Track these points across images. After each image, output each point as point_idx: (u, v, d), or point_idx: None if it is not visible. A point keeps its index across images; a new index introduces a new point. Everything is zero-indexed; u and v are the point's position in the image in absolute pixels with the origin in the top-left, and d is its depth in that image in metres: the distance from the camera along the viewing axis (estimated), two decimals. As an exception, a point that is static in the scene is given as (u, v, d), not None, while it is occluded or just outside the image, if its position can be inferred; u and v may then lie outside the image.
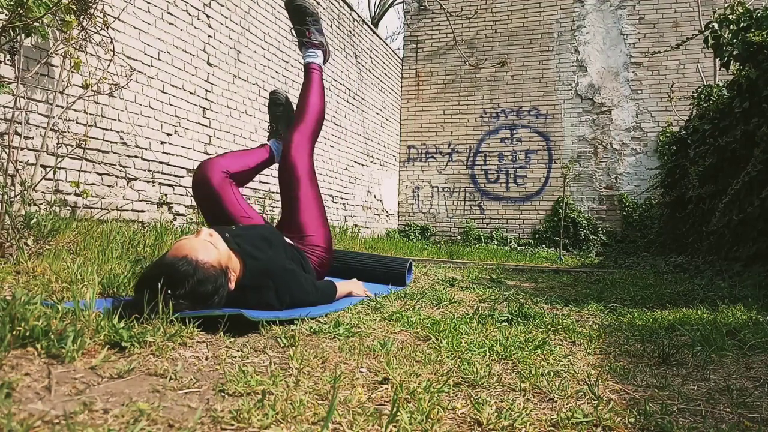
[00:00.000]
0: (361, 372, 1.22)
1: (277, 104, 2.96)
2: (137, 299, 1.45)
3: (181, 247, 1.60)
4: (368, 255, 3.44)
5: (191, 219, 4.62)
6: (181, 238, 1.76)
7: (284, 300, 1.84)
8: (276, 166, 2.77)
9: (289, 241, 2.32)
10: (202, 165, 2.47)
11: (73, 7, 3.09)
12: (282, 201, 2.61)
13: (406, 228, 10.03)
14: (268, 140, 2.92)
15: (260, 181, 5.76)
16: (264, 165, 2.74)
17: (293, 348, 1.37)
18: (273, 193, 5.98)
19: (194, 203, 4.70)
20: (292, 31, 2.85)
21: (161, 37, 4.34)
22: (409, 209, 10.20)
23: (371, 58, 9.02)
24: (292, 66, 6.47)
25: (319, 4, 7.15)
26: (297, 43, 2.86)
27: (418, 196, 10.15)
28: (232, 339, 1.44)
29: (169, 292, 1.45)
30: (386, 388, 1.10)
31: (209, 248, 1.64)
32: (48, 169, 3.21)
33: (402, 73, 10.37)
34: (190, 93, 4.69)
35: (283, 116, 2.94)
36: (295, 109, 2.77)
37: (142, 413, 0.86)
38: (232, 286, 1.71)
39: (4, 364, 1.00)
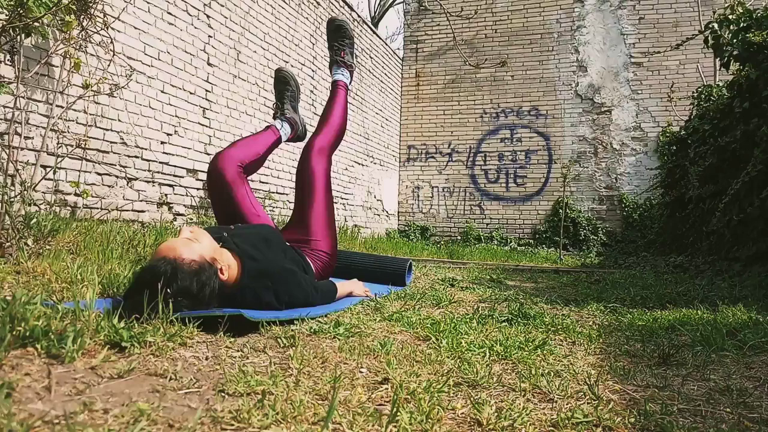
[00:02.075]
0: (361, 372, 1.22)
1: (283, 82, 2.97)
2: (129, 305, 1.44)
3: (159, 250, 1.61)
4: (368, 255, 3.44)
5: (191, 219, 4.62)
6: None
7: (283, 300, 1.84)
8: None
9: (291, 243, 2.33)
10: (217, 158, 2.49)
11: (73, 7, 3.09)
12: (295, 203, 2.64)
13: (406, 228, 10.03)
14: (273, 119, 2.92)
15: (260, 181, 5.76)
16: (273, 147, 2.76)
17: (293, 348, 1.37)
18: (273, 193, 5.98)
19: (194, 203, 4.71)
20: (329, 47, 3.00)
21: (161, 37, 4.34)
22: (409, 209, 10.20)
23: (371, 58, 9.02)
24: (291, 66, 6.47)
25: (319, 4, 7.16)
26: (329, 60, 2.97)
27: (418, 196, 10.15)
28: (232, 339, 1.44)
29: (167, 292, 1.45)
30: (386, 388, 1.10)
31: (189, 245, 1.64)
32: (48, 169, 3.21)
33: (402, 73, 10.37)
34: (190, 93, 4.69)
35: (290, 95, 2.96)
36: (319, 118, 2.83)
37: (142, 413, 0.86)
38: (224, 276, 1.70)
39: (4, 364, 1.00)
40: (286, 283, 1.88)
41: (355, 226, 8.19)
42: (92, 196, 3.65)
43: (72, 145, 3.46)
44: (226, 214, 2.46)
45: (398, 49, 11.70)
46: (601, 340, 1.74)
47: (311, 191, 2.53)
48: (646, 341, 1.73)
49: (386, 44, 9.72)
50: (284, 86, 2.95)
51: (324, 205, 2.53)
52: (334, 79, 2.89)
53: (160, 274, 1.50)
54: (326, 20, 2.99)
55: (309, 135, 2.81)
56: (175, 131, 4.50)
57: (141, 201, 4.13)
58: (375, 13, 17.52)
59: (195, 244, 1.66)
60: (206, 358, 1.24)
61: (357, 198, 8.44)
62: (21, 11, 2.55)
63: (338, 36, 2.92)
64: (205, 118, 4.91)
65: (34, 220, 2.28)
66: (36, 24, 2.68)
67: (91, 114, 3.66)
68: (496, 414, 0.98)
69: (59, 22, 3.04)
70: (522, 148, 9.56)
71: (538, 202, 9.44)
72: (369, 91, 8.88)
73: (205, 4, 4.90)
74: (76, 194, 3.50)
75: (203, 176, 4.85)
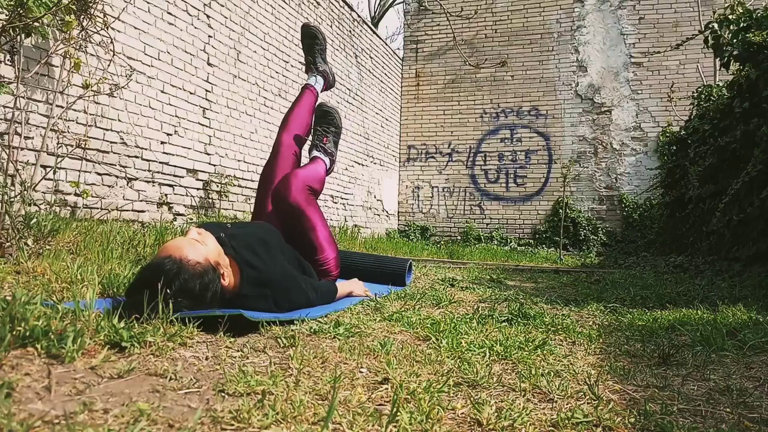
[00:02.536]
0: (361, 372, 1.22)
1: (311, 36, 3.00)
2: (130, 303, 1.44)
3: (166, 248, 1.61)
4: (368, 255, 3.44)
5: (191, 219, 4.62)
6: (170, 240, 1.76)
7: (283, 307, 1.84)
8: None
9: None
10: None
11: (73, 7, 3.09)
12: (288, 233, 2.48)
13: (406, 228, 10.03)
14: (307, 72, 3.01)
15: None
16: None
17: (293, 348, 1.37)
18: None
19: (194, 203, 4.71)
20: (312, 131, 2.95)
21: (161, 37, 4.34)
22: (409, 209, 10.20)
23: (371, 58, 9.02)
24: (292, 66, 6.47)
25: (319, 4, 7.16)
26: (309, 144, 2.86)
27: (418, 196, 10.15)
28: (232, 339, 1.44)
29: (167, 291, 1.45)
30: (386, 388, 1.10)
31: (195, 246, 1.64)
32: (48, 169, 3.21)
33: (402, 73, 10.37)
34: (190, 93, 4.69)
35: (319, 48, 3.00)
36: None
37: (142, 413, 0.86)
38: (225, 282, 1.70)
39: (4, 364, 1.00)
40: (285, 290, 1.88)
41: (355, 226, 8.19)
42: (92, 196, 3.65)
43: (72, 145, 3.46)
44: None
45: (398, 49, 11.70)
46: (601, 340, 1.74)
47: (309, 222, 2.43)
48: (646, 341, 1.73)
49: (386, 44, 9.72)
50: (313, 40, 2.99)
51: (325, 229, 2.50)
52: (313, 156, 2.73)
53: (165, 272, 1.50)
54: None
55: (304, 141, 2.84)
56: (175, 131, 4.50)
57: (141, 201, 4.13)
58: (375, 13, 17.53)
59: (201, 246, 1.66)
60: (206, 358, 1.24)
61: (357, 198, 8.44)
62: (21, 11, 2.55)
63: (324, 122, 2.79)
64: (205, 118, 4.91)
65: (34, 220, 2.28)
66: (36, 24, 2.68)
67: (91, 114, 3.66)
68: (496, 414, 0.98)
69: (59, 22, 3.03)
70: (522, 148, 9.56)
71: (538, 202, 9.44)
72: (369, 91, 8.87)
73: (205, 4, 4.89)
74: (76, 194, 3.50)
75: (203, 176, 4.85)
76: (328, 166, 2.72)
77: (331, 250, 2.48)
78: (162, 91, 4.35)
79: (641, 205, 8.78)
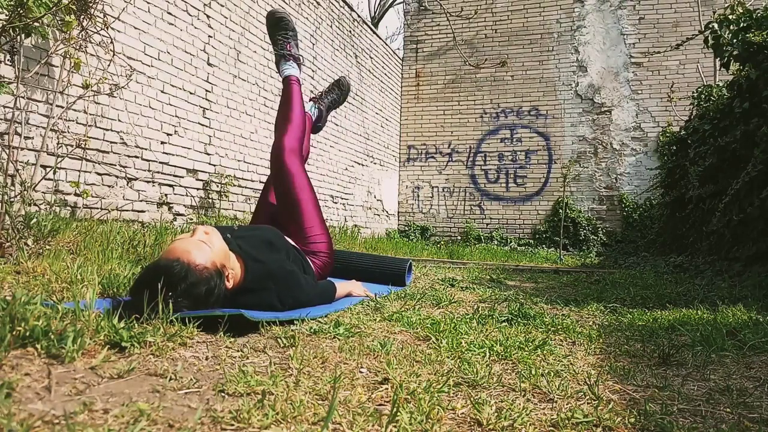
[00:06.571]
0: (361, 372, 1.22)
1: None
2: (134, 302, 1.45)
3: (174, 249, 1.59)
4: (368, 255, 3.44)
5: (191, 219, 4.62)
6: (176, 237, 1.74)
7: (286, 302, 1.84)
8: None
9: (292, 243, 2.33)
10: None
11: (73, 7, 3.09)
12: (280, 208, 2.58)
13: (406, 228, 10.03)
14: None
15: (260, 182, 5.76)
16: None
17: (293, 348, 1.37)
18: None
19: (194, 203, 4.71)
20: (272, 42, 2.98)
21: (161, 37, 4.34)
22: (409, 209, 10.20)
23: (371, 58, 9.02)
24: (292, 66, 6.46)
25: (319, 4, 7.15)
26: (275, 56, 2.93)
27: (418, 196, 10.15)
28: (232, 339, 1.44)
29: (169, 294, 1.45)
30: (386, 388, 1.10)
31: (203, 248, 1.63)
32: (48, 169, 3.21)
33: (402, 73, 10.37)
34: (190, 93, 4.69)
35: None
36: (276, 120, 2.81)
37: (142, 413, 0.86)
38: (229, 285, 1.70)
39: (4, 364, 1.00)
40: (289, 284, 1.88)
41: (355, 226, 8.19)
42: (92, 196, 3.64)
43: (72, 145, 3.46)
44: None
45: (398, 49, 11.70)
46: (601, 340, 1.74)
47: (295, 193, 2.50)
48: (646, 341, 1.73)
49: (386, 44, 9.72)
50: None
51: (312, 204, 2.52)
52: (285, 75, 2.84)
53: (173, 275, 1.49)
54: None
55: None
56: (175, 131, 4.50)
57: (141, 201, 4.13)
58: (375, 13, 17.53)
59: (207, 249, 1.64)
60: (206, 358, 1.24)
61: (357, 198, 8.44)
62: (21, 11, 2.55)
63: (279, 29, 2.87)
64: (205, 118, 4.91)
65: (34, 220, 2.28)
66: (36, 24, 2.68)
67: (91, 114, 3.66)
68: (496, 414, 0.98)
69: (59, 22, 3.04)
70: (522, 148, 9.56)
71: (538, 202, 9.44)
72: (369, 91, 8.87)
73: (205, 4, 4.89)
74: (76, 194, 3.50)
75: (203, 176, 4.85)
76: (299, 73, 2.87)
77: (323, 233, 2.50)
78: (162, 91, 4.35)
79: (641, 205, 8.79)
